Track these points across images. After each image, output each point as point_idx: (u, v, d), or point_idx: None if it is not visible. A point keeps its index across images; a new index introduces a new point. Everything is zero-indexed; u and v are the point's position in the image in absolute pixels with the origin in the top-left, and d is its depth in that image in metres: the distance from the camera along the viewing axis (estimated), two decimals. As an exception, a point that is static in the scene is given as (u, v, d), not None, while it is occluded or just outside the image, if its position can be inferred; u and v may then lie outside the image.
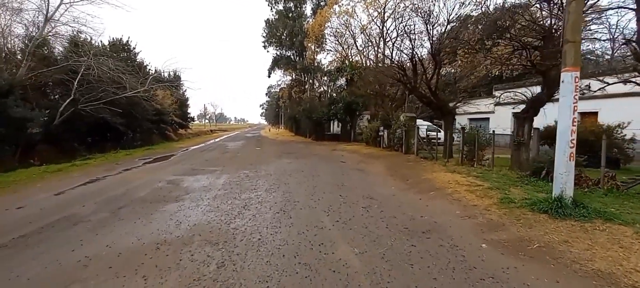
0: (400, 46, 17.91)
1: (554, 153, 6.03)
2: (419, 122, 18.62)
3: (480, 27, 10.95)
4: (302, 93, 36.88)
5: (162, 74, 43.71)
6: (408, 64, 15.03)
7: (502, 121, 24.00)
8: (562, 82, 5.79)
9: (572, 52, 5.72)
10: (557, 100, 6.02)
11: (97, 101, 17.33)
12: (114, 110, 18.38)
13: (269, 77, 42.13)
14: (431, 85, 13.84)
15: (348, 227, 5.22)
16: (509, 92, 15.74)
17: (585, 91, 20.46)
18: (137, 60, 27.71)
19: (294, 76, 40.38)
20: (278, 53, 41.29)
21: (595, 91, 11.60)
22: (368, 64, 28.37)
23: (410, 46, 13.88)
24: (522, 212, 5.67)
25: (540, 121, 12.23)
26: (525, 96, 10.68)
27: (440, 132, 23.85)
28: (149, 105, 24.70)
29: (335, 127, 38.39)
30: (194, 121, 44.99)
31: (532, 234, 4.74)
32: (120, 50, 26.87)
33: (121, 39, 27.64)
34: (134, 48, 28.63)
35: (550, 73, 9.75)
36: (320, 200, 7.08)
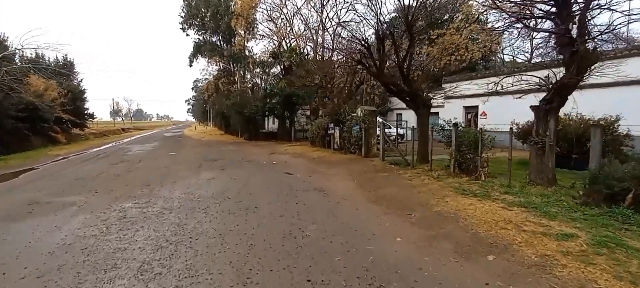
0: (345, 28, 14.55)
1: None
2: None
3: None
4: (232, 85, 31.47)
5: (43, 56, 34.31)
6: (372, 40, 11.53)
7: (452, 115, 22.27)
8: None
9: None
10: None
11: None
12: None
13: (191, 66, 35.58)
14: (403, 68, 10.51)
15: None
16: (478, 80, 13.24)
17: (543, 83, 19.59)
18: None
19: (221, 66, 34.57)
20: (200, 38, 35.02)
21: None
22: (307, 53, 24.55)
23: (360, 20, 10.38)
24: None
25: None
26: (542, 80, 7.82)
27: (391, 128, 21.16)
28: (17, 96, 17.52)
29: (271, 124, 33.85)
30: (93, 118, 36.27)
31: None
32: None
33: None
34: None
35: (580, 47, 6.97)
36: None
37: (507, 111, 16.72)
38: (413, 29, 9.82)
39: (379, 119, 15.68)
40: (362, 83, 18.73)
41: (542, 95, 7.91)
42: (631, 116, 10.92)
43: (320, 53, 22.56)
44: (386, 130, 16.93)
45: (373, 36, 11.43)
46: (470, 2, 13.31)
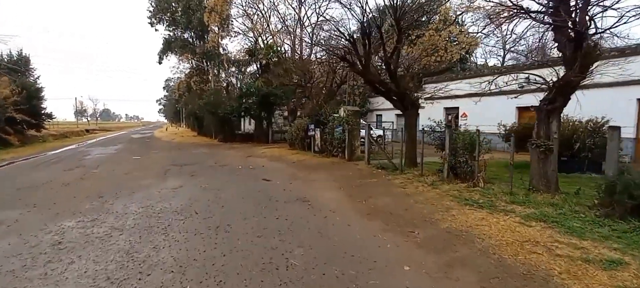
0: (325, 24, 13.66)
1: None
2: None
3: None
4: (205, 84, 29.81)
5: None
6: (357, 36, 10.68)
7: (433, 117, 21.92)
8: None
9: None
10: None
11: None
12: None
13: (160, 63, 33.43)
14: (391, 64, 9.76)
15: None
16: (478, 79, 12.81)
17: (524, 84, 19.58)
18: None
19: (193, 63, 32.76)
20: (171, 34, 33.07)
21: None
22: (285, 51, 23.49)
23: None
24: None
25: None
26: (542, 79, 7.26)
27: (373, 129, 20.51)
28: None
29: (247, 125, 32.45)
30: (52, 118, 33.45)
31: None
32: None
33: None
34: None
35: (583, 43, 6.47)
36: None
37: (488, 112, 16.49)
38: (402, 23, 9.07)
39: (362, 121, 14.92)
40: (344, 82, 17.94)
41: (540, 95, 7.38)
42: (618, 117, 10.72)
43: (299, 50, 21.59)
44: (371, 133, 16.22)
45: (358, 32, 10.61)
46: (447, 5, 12.86)
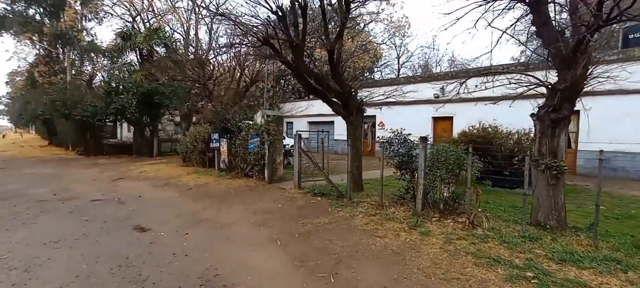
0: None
1: None
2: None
3: None
4: (57, 75, 22.07)
5: None
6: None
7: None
8: None
9: None
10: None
11: None
12: None
13: (-13, 45, 23.67)
14: (334, 53, 7.09)
15: None
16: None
17: (438, 94, 19.55)
18: None
19: (40, 50, 24.21)
20: (7, 6, 23.86)
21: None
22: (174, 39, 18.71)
23: None
24: None
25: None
26: (538, 80, 5.56)
27: (285, 139, 17.65)
28: None
29: (126, 132, 25.65)
30: None
31: None
32: None
33: None
34: None
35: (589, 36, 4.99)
36: None
37: (404, 121, 15.22)
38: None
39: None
40: (255, 81, 14.63)
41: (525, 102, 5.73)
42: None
43: (193, 42, 17.25)
44: (285, 143, 13.33)
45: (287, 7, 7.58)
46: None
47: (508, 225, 5.13)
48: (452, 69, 27.68)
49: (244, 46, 8.83)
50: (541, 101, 5.73)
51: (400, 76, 32.17)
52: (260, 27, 7.63)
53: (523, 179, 5.37)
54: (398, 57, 35.40)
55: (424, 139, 5.86)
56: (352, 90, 7.77)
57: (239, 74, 14.45)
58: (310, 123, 24.00)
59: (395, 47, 34.14)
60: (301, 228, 5.41)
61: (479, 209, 5.24)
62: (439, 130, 17.78)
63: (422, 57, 39.03)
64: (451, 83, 6.90)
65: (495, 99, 7.33)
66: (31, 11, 24.88)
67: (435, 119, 18.11)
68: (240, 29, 7.49)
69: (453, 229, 4.93)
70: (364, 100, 8.30)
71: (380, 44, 31.24)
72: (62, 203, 7.38)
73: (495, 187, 7.64)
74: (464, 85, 6.63)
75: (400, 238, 4.69)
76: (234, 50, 11.06)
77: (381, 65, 33.29)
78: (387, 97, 8.58)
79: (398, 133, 7.03)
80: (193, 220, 6.10)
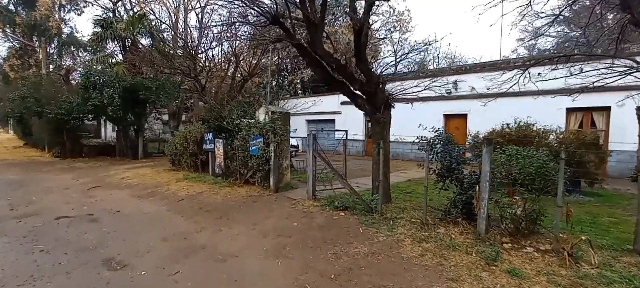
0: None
1: None
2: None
3: None
4: (29, 69, 20.12)
5: None
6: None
7: (351, 124, 19.06)
8: None
9: None
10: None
11: None
12: None
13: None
14: (362, 35, 5.70)
15: None
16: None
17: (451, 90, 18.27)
18: None
19: (13, 42, 22.14)
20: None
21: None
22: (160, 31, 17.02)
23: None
24: None
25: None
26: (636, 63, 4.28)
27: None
28: None
29: (110, 132, 23.81)
30: None
31: None
32: None
33: None
34: None
35: None
36: None
37: (408, 121, 13.62)
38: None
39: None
40: (253, 75, 13.13)
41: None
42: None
43: (182, 28, 15.63)
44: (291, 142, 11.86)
45: None
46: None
47: (614, 255, 3.83)
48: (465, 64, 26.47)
49: (249, 24, 7.32)
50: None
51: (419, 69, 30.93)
52: (266, 3, 6.19)
53: (579, 183, 4.10)
54: (395, 53, 34.14)
55: (488, 141, 4.51)
56: (381, 81, 6.36)
57: (234, 67, 12.92)
58: (309, 121, 22.58)
59: (393, 43, 32.86)
60: (335, 262, 4.00)
61: (574, 234, 3.91)
62: (451, 128, 16.50)
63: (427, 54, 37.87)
64: (507, 73, 5.60)
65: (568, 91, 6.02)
66: (4, 0, 22.89)
67: (447, 116, 16.91)
68: (244, 4, 5.99)
69: (547, 264, 3.60)
70: (393, 95, 6.90)
71: (383, 39, 29.94)
72: (17, 222, 5.82)
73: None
74: (525, 73, 5.32)
75: (485, 284, 3.32)
76: (234, 31, 9.47)
77: (380, 60, 31.96)
78: (422, 90, 7.16)
79: (440, 133, 5.67)
80: (185, 247, 4.64)
